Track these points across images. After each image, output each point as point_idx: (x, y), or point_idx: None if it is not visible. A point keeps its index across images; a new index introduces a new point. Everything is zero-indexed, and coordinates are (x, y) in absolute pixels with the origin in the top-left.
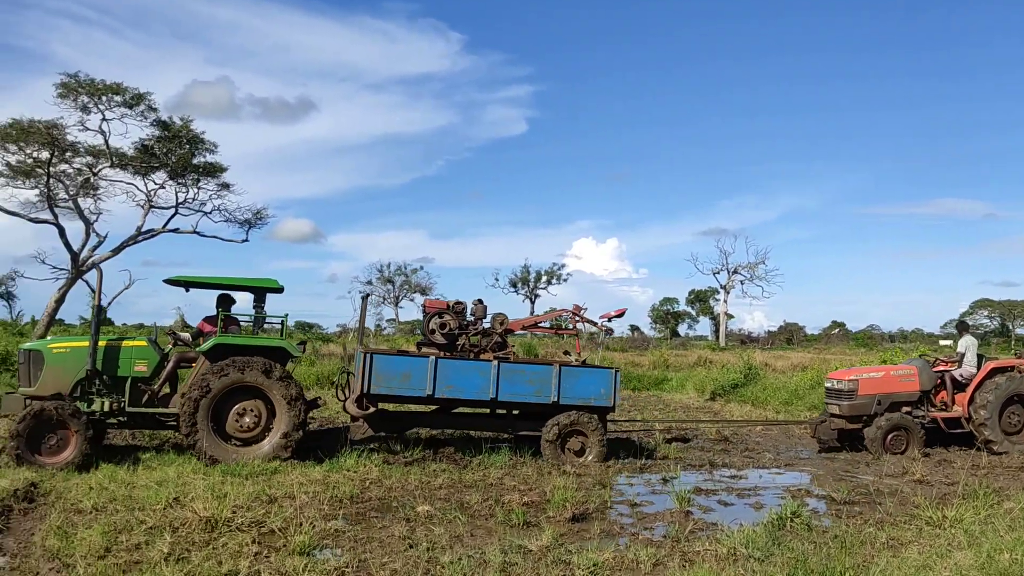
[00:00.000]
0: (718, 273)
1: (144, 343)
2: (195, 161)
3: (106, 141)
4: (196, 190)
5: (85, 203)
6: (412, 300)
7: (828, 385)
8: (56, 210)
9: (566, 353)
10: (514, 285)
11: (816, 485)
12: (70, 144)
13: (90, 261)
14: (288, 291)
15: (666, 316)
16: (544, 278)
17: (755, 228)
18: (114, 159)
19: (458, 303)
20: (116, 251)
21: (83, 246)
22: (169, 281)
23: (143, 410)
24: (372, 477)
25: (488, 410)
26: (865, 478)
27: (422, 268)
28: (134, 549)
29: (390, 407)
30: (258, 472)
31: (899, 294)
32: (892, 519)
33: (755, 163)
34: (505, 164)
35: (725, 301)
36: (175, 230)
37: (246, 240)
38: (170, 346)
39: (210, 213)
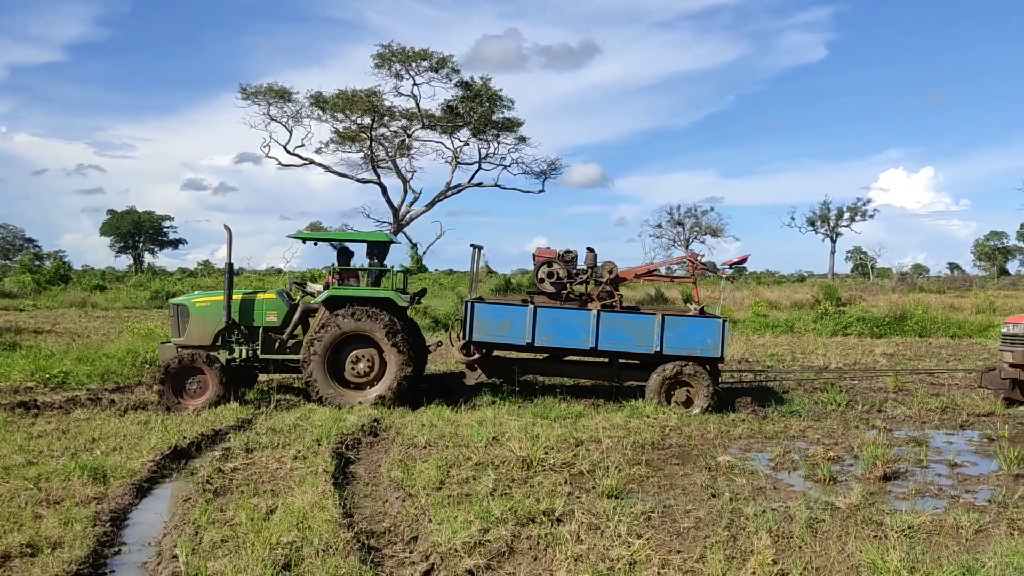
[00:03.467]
0: None
1: (274, 295)
2: (495, 118)
3: (417, 104)
4: (496, 145)
5: (402, 162)
6: (703, 243)
7: (1004, 330)
8: (378, 170)
9: (687, 302)
10: (812, 224)
11: None
12: (387, 109)
13: (408, 216)
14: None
15: (993, 252)
16: (846, 215)
17: None
18: (425, 120)
19: (567, 252)
20: (429, 206)
21: (402, 201)
22: (293, 236)
23: (274, 356)
24: (671, 424)
25: (604, 359)
26: None
27: (712, 209)
28: (464, 483)
29: (503, 354)
30: (564, 415)
31: None
32: None
33: None
34: (802, 94)
35: None
36: (479, 184)
37: (542, 191)
38: (298, 297)
39: (509, 166)
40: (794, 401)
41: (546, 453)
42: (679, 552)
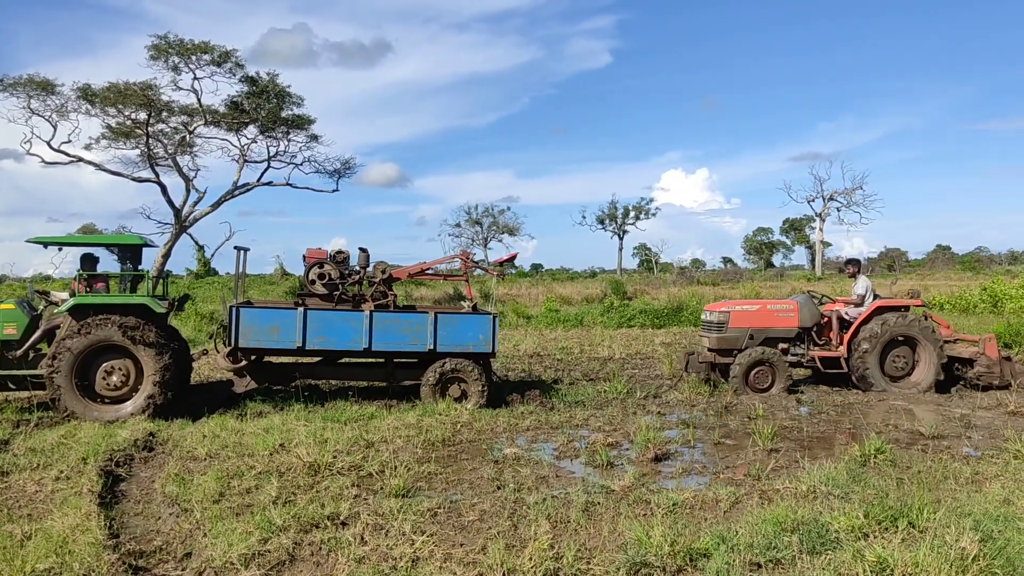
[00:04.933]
0: (813, 201)
1: (12, 306)
2: (283, 114)
3: (198, 99)
4: (287, 143)
5: (183, 160)
6: (500, 241)
7: (703, 316)
8: (156, 168)
9: (461, 299)
10: (601, 222)
11: (906, 419)
12: (165, 104)
13: (192, 217)
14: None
15: (760, 247)
16: (632, 213)
17: (853, 151)
18: (207, 116)
19: (339, 252)
20: (215, 205)
21: (184, 202)
22: (32, 241)
23: (13, 372)
24: (463, 421)
25: (380, 359)
26: (957, 411)
27: (509, 208)
28: (245, 493)
29: (275, 360)
30: (356, 418)
31: (1010, 214)
32: (979, 453)
33: (853, 82)
34: (590, 98)
35: (821, 229)
36: (269, 183)
37: (336, 190)
38: (42, 307)
39: (301, 165)
40: (579, 391)
41: (335, 457)
42: (462, 545)
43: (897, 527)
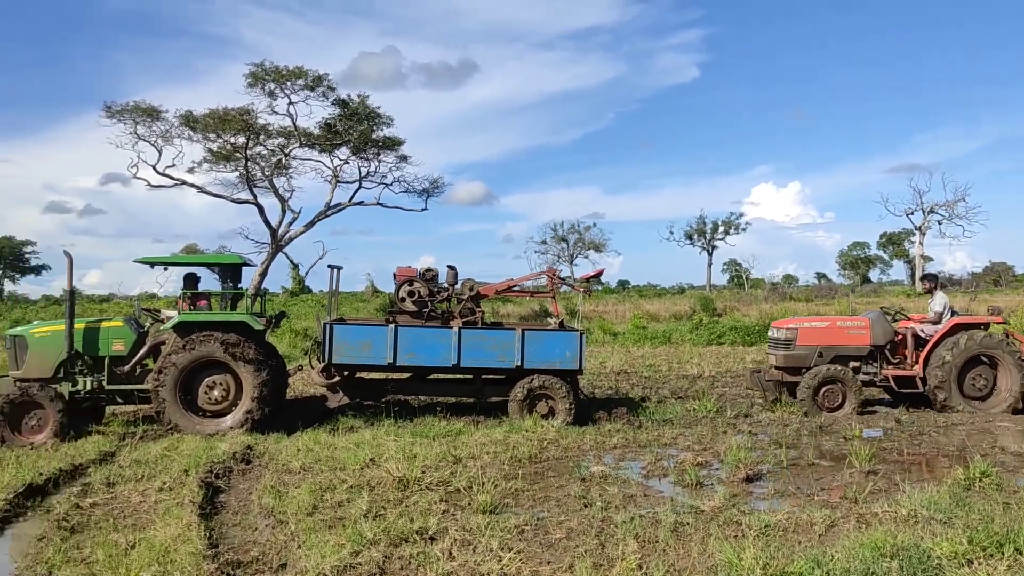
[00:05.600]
0: (912, 214)
1: (120, 323)
2: (374, 136)
3: (293, 122)
4: (377, 163)
5: (279, 182)
6: (586, 257)
7: (770, 333)
8: (254, 190)
9: (547, 316)
10: (689, 237)
11: (1013, 442)
12: (262, 127)
13: (287, 237)
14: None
15: (856, 262)
16: (721, 228)
17: (954, 162)
18: (302, 139)
19: (428, 270)
20: (308, 225)
21: (280, 222)
22: (139, 261)
23: (121, 387)
24: (549, 438)
25: (468, 376)
26: None
27: (595, 225)
28: (337, 506)
29: (367, 376)
30: (444, 433)
31: None
32: None
33: (953, 91)
34: (677, 112)
35: (921, 243)
36: (360, 203)
37: (425, 209)
38: (148, 324)
39: (391, 185)
40: (667, 409)
41: (423, 472)
42: (549, 563)
43: (1003, 554)
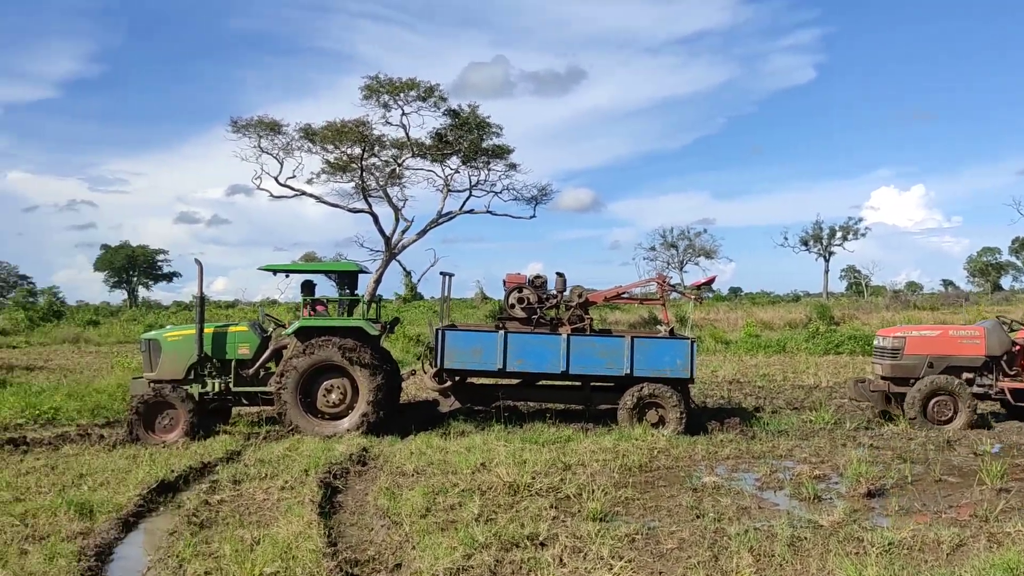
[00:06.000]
0: None
1: (246, 328)
2: (484, 145)
3: (406, 133)
4: (487, 172)
5: (393, 191)
6: (696, 264)
7: (876, 342)
8: (369, 199)
9: (656, 323)
10: (805, 243)
11: None
12: (376, 139)
13: (400, 245)
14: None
15: (986, 268)
16: (839, 234)
17: None
18: (414, 149)
19: (537, 277)
20: (421, 234)
21: (394, 230)
22: (263, 269)
23: (246, 389)
24: (660, 447)
25: (577, 383)
26: None
27: (705, 231)
28: (450, 509)
29: (477, 381)
30: (553, 440)
31: None
32: None
33: None
34: (791, 115)
35: None
36: (470, 211)
37: (533, 216)
38: (271, 329)
39: (500, 193)
40: (782, 420)
41: (533, 478)
42: (661, 573)
43: None
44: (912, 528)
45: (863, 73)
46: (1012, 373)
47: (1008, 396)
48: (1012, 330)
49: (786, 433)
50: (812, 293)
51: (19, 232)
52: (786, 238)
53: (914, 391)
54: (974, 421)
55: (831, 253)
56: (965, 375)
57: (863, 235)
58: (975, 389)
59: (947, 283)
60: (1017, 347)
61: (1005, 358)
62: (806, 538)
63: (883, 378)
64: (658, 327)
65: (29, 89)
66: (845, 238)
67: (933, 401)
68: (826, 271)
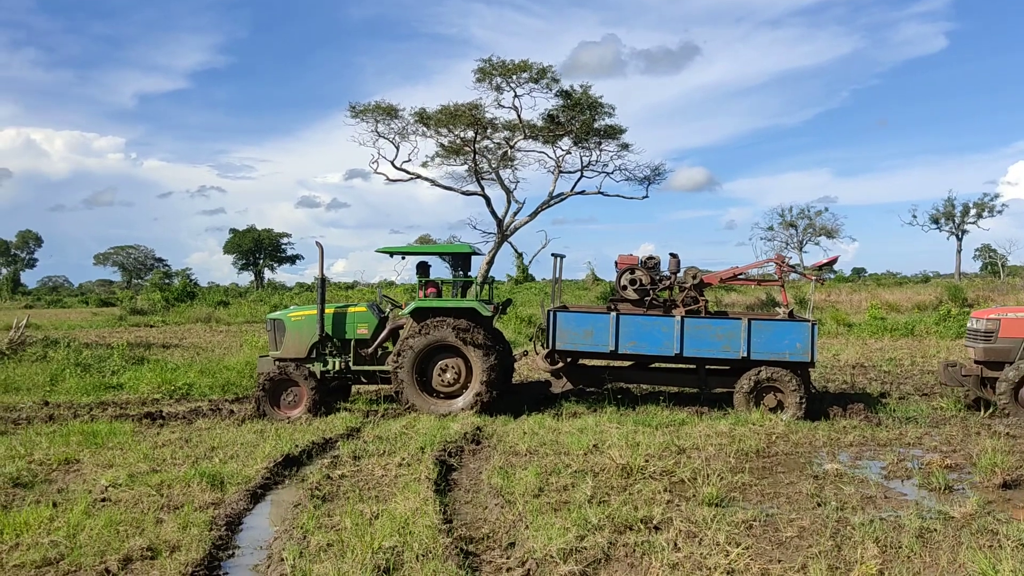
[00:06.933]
0: None
1: (364, 309)
2: (596, 125)
3: (518, 115)
4: (599, 152)
5: (505, 174)
6: (817, 244)
7: (969, 324)
8: (482, 182)
9: (775, 305)
10: (936, 221)
11: None
12: (489, 122)
13: (512, 227)
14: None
15: None
16: (973, 211)
17: None
18: (526, 131)
19: (650, 258)
20: (532, 215)
21: (505, 212)
22: (380, 251)
23: (365, 368)
24: (778, 432)
25: (691, 366)
26: None
27: (827, 209)
28: (562, 490)
29: (589, 362)
30: (667, 423)
31: None
32: None
33: None
34: (921, 87)
35: None
36: (582, 192)
37: (646, 196)
38: (389, 309)
39: (611, 173)
40: (910, 407)
41: (646, 461)
42: (780, 561)
43: None
44: None
45: (998, 40)
46: None
47: None
48: None
49: (915, 420)
50: (943, 274)
51: (155, 217)
52: (915, 216)
53: (1005, 375)
54: None
55: (964, 231)
56: None
57: (999, 212)
58: None
59: None
60: None
61: None
62: (936, 530)
63: (976, 362)
64: (777, 309)
65: (162, 80)
66: (980, 215)
67: None
68: (959, 250)
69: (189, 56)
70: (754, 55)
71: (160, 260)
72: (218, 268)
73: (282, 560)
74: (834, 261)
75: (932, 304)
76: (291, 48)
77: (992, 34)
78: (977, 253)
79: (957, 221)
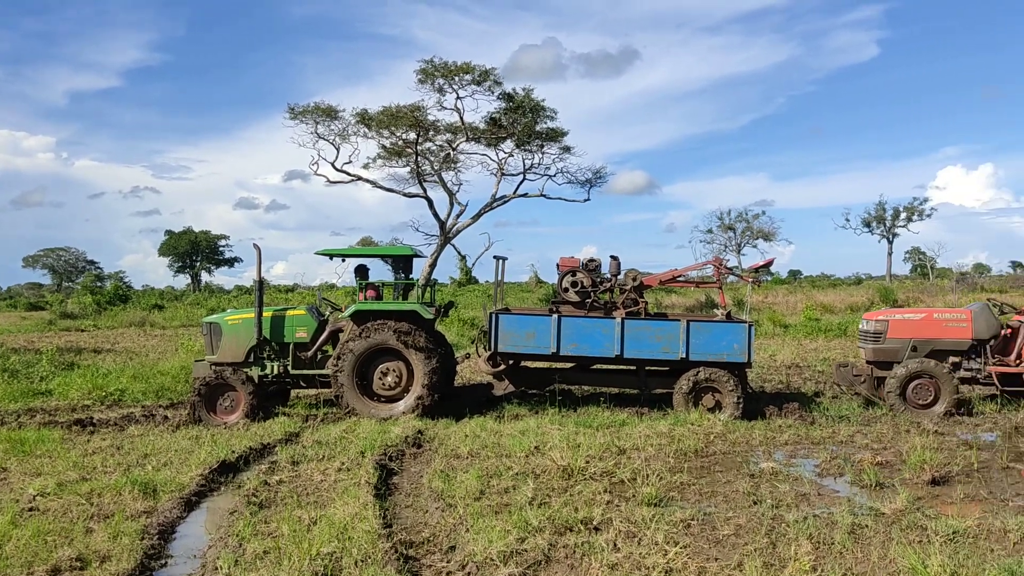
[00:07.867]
0: None
1: (303, 312)
2: (538, 128)
3: (461, 117)
4: (541, 155)
5: (447, 176)
6: (755, 247)
7: (860, 326)
8: (424, 184)
9: (713, 307)
10: (868, 225)
11: None
12: (431, 123)
13: (455, 229)
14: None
15: None
16: (903, 215)
17: None
18: (468, 133)
19: (591, 260)
20: (475, 218)
21: (448, 214)
22: (319, 253)
23: (304, 372)
24: (716, 432)
25: (631, 367)
26: None
27: (764, 213)
28: (503, 492)
29: (531, 364)
30: (608, 424)
31: None
32: None
33: None
34: (853, 94)
35: None
36: (524, 195)
37: (587, 199)
38: (328, 312)
39: (554, 176)
40: (843, 406)
41: (587, 462)
42: (717, 559)
43: None
44: (978, 517)
45: (928, 49)
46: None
47: (995, 380)
48: (1003, 313)
49: (847, 419)
50: (875, 276)
51: (86, 219)
52: (848, 220)
53: (893, 374)
54: (957, 406)
55: (895, 235)
56: (951, 359)
57: (928, 216)
58: (962, 373)
59: (1016, 265)
60: (1008, 330)
61: (993, 342)
62: (867, 526)
63: (867, 362)
64: (715, 311)
65: (95, 78)
66: (910, 219)
67: (913, 384)
68: (889, 253)
69: (123, 53)
70: (693, 61)
71: (92, 263)
72: (153, 271)
73: (216, 569)
74: (771, 263)
75: (864, 305)
76: (229, 46)
77: (921, 44)
78: (907, 256)
79: (888, 224)
